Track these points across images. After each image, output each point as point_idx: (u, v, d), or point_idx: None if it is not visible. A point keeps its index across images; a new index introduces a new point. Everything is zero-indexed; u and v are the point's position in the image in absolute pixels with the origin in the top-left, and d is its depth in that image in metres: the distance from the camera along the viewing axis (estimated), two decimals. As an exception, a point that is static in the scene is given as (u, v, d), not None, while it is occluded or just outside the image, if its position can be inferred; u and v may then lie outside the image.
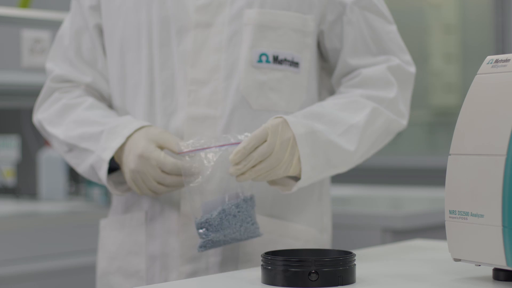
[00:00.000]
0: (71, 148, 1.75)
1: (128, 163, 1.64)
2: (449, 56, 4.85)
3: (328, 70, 1.84)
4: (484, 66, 1.37)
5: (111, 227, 1.80)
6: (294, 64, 1.73)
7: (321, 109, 1.69)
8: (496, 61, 1.36)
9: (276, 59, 1.71)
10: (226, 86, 1.69)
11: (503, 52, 4.66)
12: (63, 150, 1.78)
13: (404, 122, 1.76)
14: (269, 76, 1.71)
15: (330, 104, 1.72)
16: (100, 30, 1.81)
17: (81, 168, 1.75)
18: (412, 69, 1.79)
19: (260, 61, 1.70)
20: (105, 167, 1.67)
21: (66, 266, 2.78)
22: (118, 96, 1.78)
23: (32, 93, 3.10)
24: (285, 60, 1.72)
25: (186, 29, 1.70)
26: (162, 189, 1.65)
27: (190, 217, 1.68)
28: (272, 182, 1.65)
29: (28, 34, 3.11)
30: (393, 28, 1.79)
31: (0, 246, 2.67)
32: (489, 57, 1.38)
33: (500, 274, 1.37)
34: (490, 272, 1.40)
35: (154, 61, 1.72)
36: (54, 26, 3.17)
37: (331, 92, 1.84)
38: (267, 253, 1.39)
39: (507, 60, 1.34)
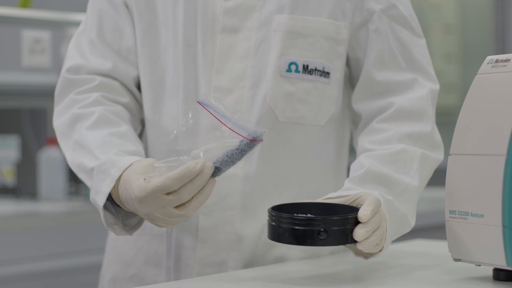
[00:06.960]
0: (76, 172, 1.63)
1: (141, 210, 1.45)
2: (449, 56, 4.85)
3: (349, 80, 1.71)
4: (484, 66, 1.37)
5: None
6: (325, 74, 1.63)
7: (373, 167, 1.54)
8: (496, 61, 1.36)
9: (306, 69, 1.61)
10: (252, 96, 1.60)
11: (503, 52, 4.66)
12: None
13: (441, 156, 1.64)
14: (297, 86, 1.61)
15: (377, 159, 1.56)
16: (126, 7, 1.68)
17: None
18: (437, 86, 1.66)
19: (289, 70, 1.60)
20: (101, 213, 1.53)
21: (66, 266, 2.78)
22: (146, 87, 1.67)
23: (32, 93, 3.09)
24: (316, 70, 1.61)
25: (211, 31, 1.61)
26: (191, 206, 1.42)
27: (209, 233, 1.60)
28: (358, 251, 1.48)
29: (28, 34, 3.11)
30: (422, 42, 1.66)
31: (0, 246, 2.67)
32: (489, 57, 1.38)
33: (500, 274, 1.37)
34: (490, 272, 1.40)
35: (178, 60, 1.63)
36: (54, 26, 3.17)
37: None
38: (273, 208, 1.38)
39: (507, 60, 1.34)
